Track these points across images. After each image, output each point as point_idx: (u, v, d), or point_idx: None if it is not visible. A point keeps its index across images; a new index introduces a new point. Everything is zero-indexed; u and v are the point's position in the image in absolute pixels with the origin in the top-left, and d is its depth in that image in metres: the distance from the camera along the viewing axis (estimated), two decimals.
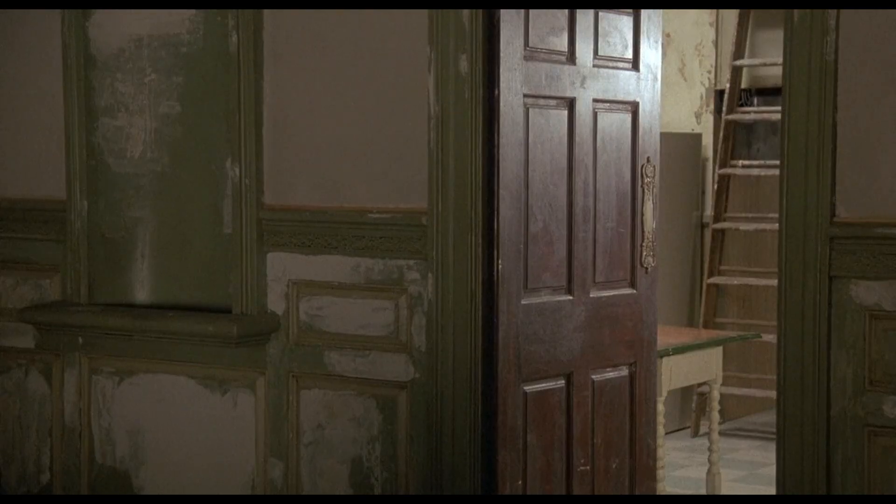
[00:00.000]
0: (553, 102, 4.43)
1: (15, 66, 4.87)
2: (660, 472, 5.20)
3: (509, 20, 4.15)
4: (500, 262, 4.17)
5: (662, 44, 4.92)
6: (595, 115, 4.58)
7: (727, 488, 6.18)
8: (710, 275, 7.81)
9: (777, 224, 3.75)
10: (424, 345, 4.20)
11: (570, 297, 4.54)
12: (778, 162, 3.79)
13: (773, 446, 3.91)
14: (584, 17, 4.51)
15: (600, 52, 4.58)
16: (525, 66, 4.25)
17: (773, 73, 7.41)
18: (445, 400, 4.16)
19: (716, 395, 5.89)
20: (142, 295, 4.69)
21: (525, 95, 4.27)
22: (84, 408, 4.79)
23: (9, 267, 4.95)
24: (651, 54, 4.78)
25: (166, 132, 4.60)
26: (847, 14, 3.54)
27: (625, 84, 4.69)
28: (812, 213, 3.59)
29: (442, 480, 4.17)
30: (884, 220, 3.52)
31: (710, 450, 5.87)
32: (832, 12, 3.54)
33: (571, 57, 4.48)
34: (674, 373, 5.47)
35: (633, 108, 4.74)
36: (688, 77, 7.98)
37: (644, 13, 4.72)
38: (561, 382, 4.54)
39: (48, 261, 4.86)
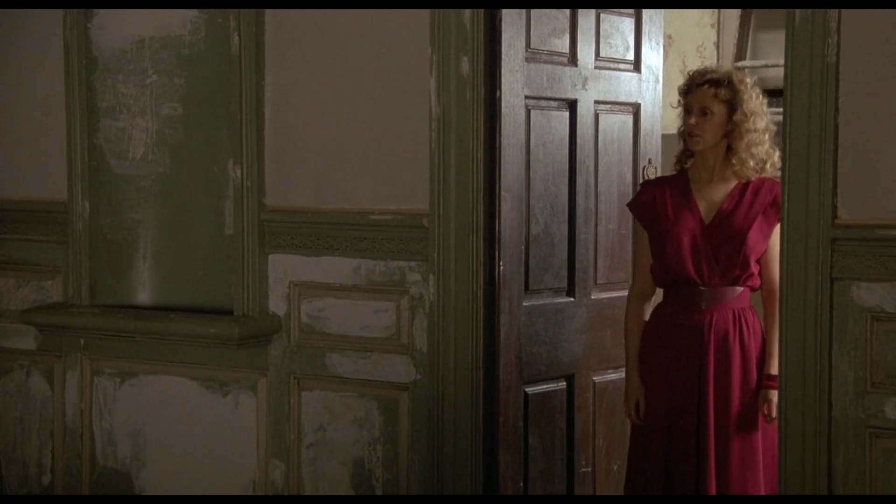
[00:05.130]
0: (554, 104, 4.44)
1: (16, 68, 4.87)
2: None
3: (511, 22, 4.15)
4: (501, 263, 4.17)
5: (664, 45, 4.92)
6: (596, 116, 4.59)
7: None
8: None
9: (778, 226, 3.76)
10: (426, 346, 4.20)
11: (572, 299, 4.55)
12: (779, 164, 3.79)
13: None
14: (586, 18, 4.51)
15: (602, 54, 4.59)
16: (526, 67, 4.25)
17: (775, 75, 7.38)
18: (447, 401, 4.16)
19: None
20: (143, 296, 4.69)
21: (526, 97, 4.27)
22: (85, 409, 4.79)
23: (10, 268, 4.95)
24: (652, 56, 4.78)
25: (168, 134, 4.60)
26: (848, 15, 3.53)
27: (626, 85, 4.70)
28: (813, 214, 3.58)
29: (443, 482, 4.17)
30: (885, 221, 3.52)
31: None
32: (833, 13, 3.54)
33: (573, 58, 4.49)
34: None
35: (635, 109, 4.74)
36: None
37: (645, 15, 4.73)
38: (562, 384, 4.54)
39: (50, 262, 4.86)
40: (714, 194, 4.18)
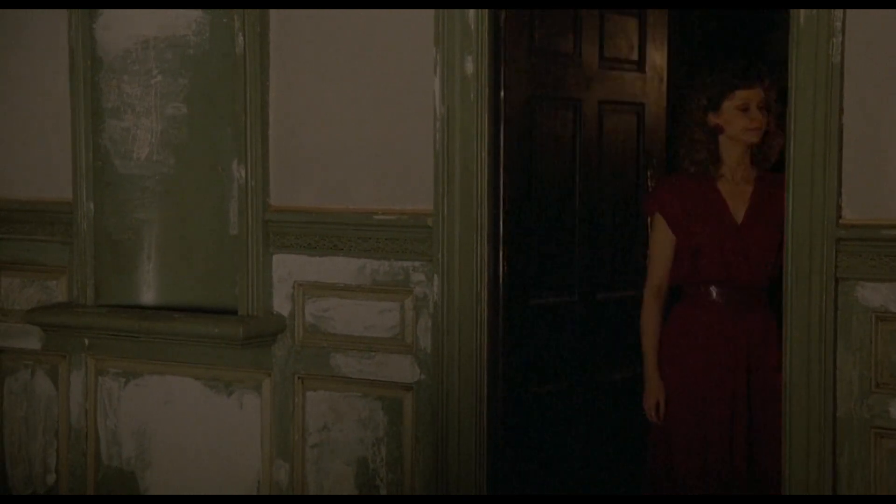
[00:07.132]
0: (559, 104, 4.44)
1: (21, 68, 4.88)
2: None
3: (515, 21, 4.15)
4: (505, 263, 4.17)
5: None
6: (601, 116, 4.59)
7: None
8: None
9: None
10: (430, 346, 4.20)
11: (576, 299, 4.55)
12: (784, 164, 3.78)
13: None
14: (590, 18, 4.51)
15: (606, 54, 4.59)
16: (531, 67, 4.25)
17: (780, 75, 7.39)
18: (451, 401, 4.16)
19: None
20: (148, 296, 4.69)
21: (531, 97, 4.27)
22: (90, 409, 4.80)
23: (16, 268, 4.96)
24: (657, 56, 4.78)
25: (173, 134, 4.61)
26: (853, 15, 3.53)
27: (630, 85, 4.70)
28: (818, 214, 3.58)
29: (447, 482, 4.17)
30: (890, 221, 3.52)
31: None
32: (838, 13, 3.54)
33: (577, 58, 4.49)
34: None
35: (639, 109, 4.74)
36: None
37: (650, 15, 4.73)
38: (566, 384, 4.54)
39: (55, 262, 4.87)
40: (741, 194, 4.06)
